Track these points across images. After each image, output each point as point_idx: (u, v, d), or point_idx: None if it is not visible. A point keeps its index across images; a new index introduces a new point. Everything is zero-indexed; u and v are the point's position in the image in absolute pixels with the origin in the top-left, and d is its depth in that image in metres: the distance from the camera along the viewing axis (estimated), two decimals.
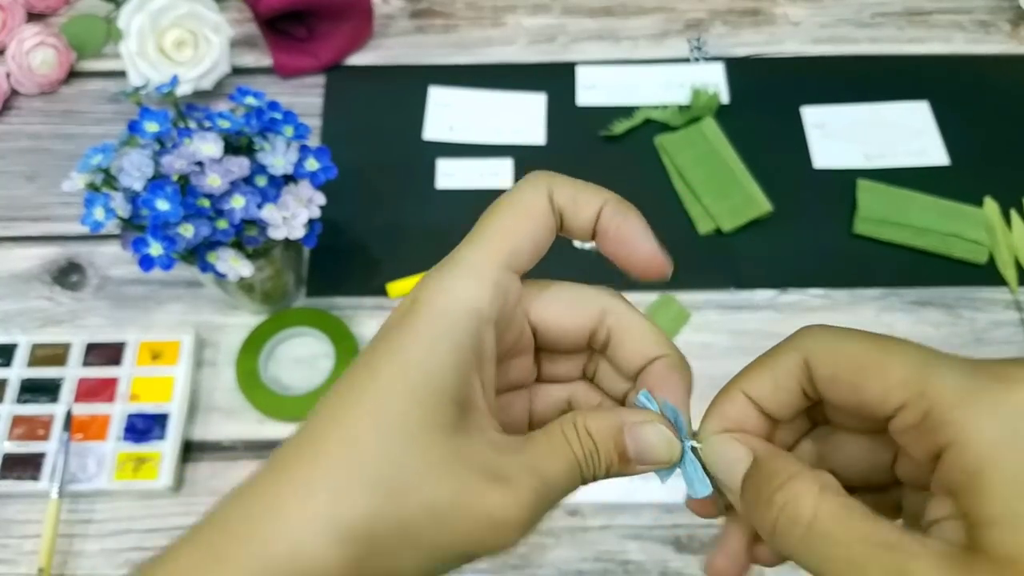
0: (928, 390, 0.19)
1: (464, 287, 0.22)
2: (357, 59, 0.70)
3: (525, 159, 0.65)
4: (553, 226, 0.24)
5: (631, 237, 0.24)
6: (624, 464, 0.22)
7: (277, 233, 0.47)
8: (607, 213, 0.24)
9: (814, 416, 0.24)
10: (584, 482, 0.22)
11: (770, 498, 0.20)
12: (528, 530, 0.21)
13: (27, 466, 0.51)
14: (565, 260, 0.60)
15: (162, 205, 0.45)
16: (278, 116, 0.49)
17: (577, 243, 0.61)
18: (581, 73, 0.69)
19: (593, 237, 0.25)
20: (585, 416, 0.22)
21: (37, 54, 0.66)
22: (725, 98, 0.67)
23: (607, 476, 0.22)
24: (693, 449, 0.23)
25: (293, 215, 0.47)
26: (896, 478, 0.23)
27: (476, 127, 0.66)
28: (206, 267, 0.48)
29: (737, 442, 0.22)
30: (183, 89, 0.64)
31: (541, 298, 0.25)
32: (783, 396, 0.22)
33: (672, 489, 0.51)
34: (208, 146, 0.46)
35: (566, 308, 0.25)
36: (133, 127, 0.48)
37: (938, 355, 0.20)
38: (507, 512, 0.20)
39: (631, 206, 0.24)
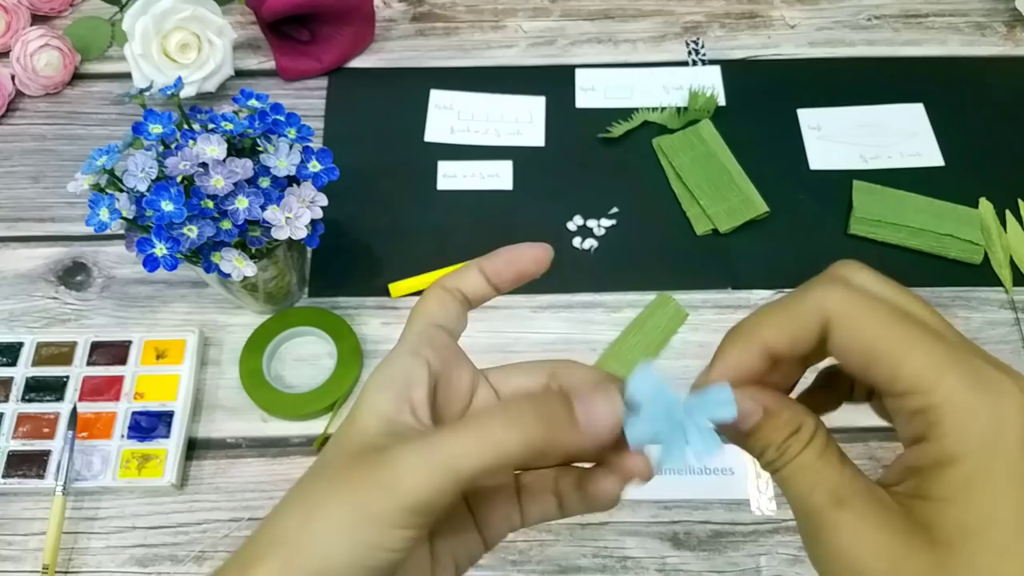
0: (935, 389, 0.21)
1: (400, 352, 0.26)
2: (359, 62, 0.71)
3: (525, 161, 0.65)
4: (458, 304, 0.28)
5: (505, 262, 0.29)
6: (568, 425, 0.23)
7: (280, 234, 0.48)
8: (482, 267, 0.29)
9: None
10: (508, 453, 0.22)
11: (780, 440, 0.23)
12: (428, 493, 0.21)
13: (32, 464, 0.51)
14: (565, 260, 0.60)
15: (167, 206, 0.45)
16: (281, 118, 0.50)
17: (577, 243, 0.61)
18: (580, 76, 0.70)
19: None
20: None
21: (42, 56, 0.67)
22: (722, 100, 0.68)
23: (544, 442, 0.22)
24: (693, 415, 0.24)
25: (296, 216, 0.48)
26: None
27: (477, 129, 0.67)
28: (210, 267, 0.48)
29: (747, 397, 0.23)
30: (187, 91, 0.65)
31: (500, 370, 0.29)
32: (796, 348, 0.23)
33: (671, 487, 0.51)
34: (212, 148, 0.47)
35: (520, 371, 0.28)
36: (137, 129, 0.48)
37: (954, 358, 0.21)
38: (398, 465, 0.22)
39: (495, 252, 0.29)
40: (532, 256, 0.28)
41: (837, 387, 0.27)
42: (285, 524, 0.23)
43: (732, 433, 0.24)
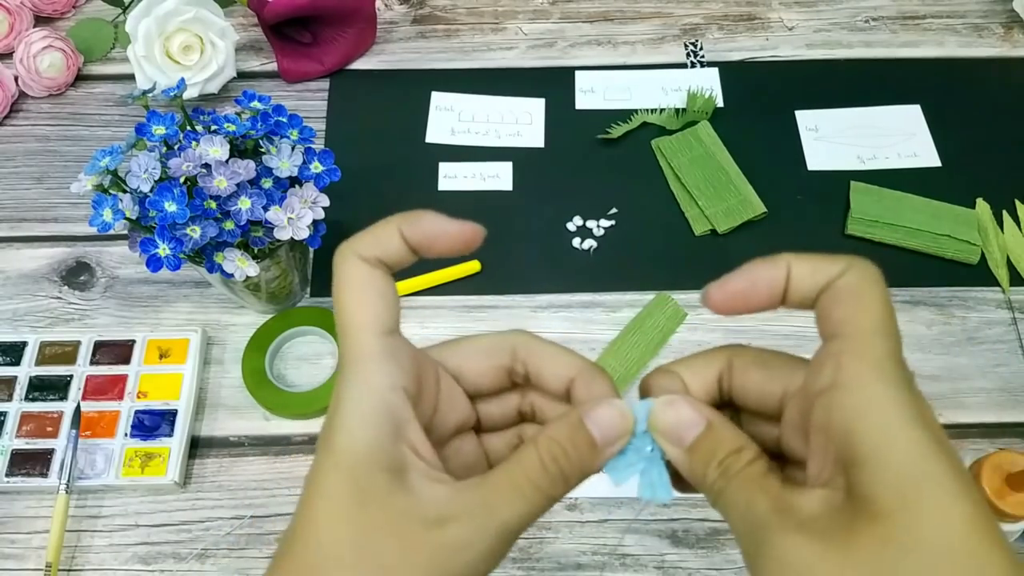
0: (865, 338, 0.21)
1: (357, 377, 0.23)
2: (361, 64, 0.71)
3: (525, 162, 0.66)
4: (378, 281, 0.24)
5: (426, 232, 0.26)
6: (592, 452, 0.24)
7: (282, 234, 0.48)
8: (401, 228, 0.26)
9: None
10: (554, 497, 0.23)
11: (721, 458, 0.23)
12: (495, 563, 0.22)
13: (36, 462, 0.51)
14: (565, 260, 0.61)
15: (170, 206, 0.46)
16: (283, 120, 0.50)
17: (576, 243, 0.62)
18: (580, 77, 0.70)
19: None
20: (544, 429, 0.24)
21: (45, 57, 0.67)
22: (720, 102, 0.68)
23: (581, 477, 0.24)
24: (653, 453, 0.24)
25: (298, 216, 0.48)
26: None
27: (477, 130, 0.67)
28: (213, 267, 0.48)
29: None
30: (189, 93, 0.65)
31: (455, 350, 0.27)
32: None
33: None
34: (215, 149, 0.47)
35: (477, 351, 0.27)
36: (140, 130, 0.49)
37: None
38: (457, 551, 0.21)
39: (417, 212, 0.25)
40: (460, 238, 0.26)
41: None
42: None
43: (676, 452, 0.24)
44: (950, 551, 0.19)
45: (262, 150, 0.49)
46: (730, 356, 0.25)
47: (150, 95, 0.53)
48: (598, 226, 0.62)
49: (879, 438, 0.20)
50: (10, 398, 0.54)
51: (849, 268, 0.23)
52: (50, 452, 0.52)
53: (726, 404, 0.26)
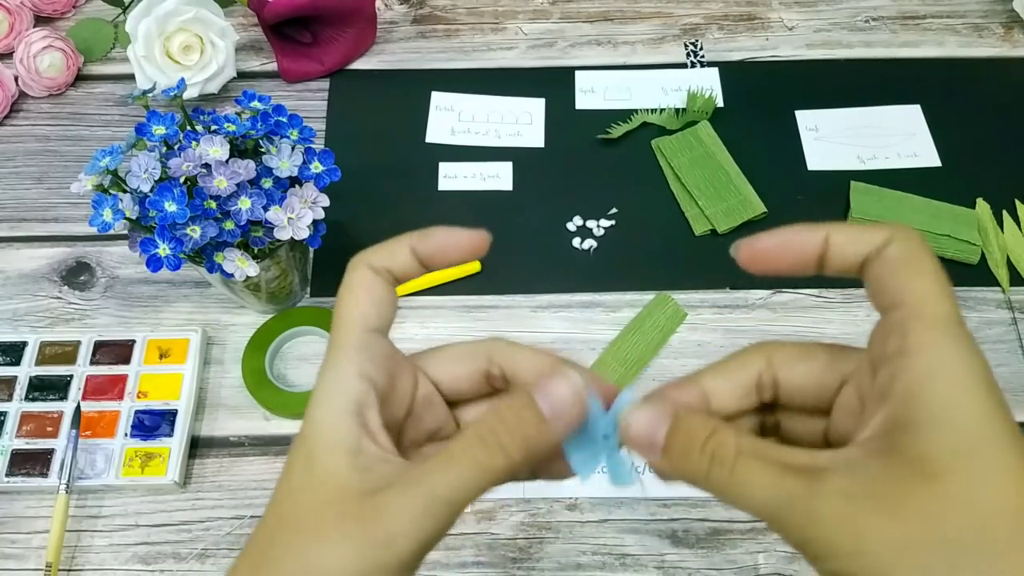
0: (927, 307, 0.21)
1: (331, 364, 0.25)
2: (361, 64, 0.71)
3: (525, 162, 0.66)
4: (382, 289, 0.26)
5: (438, 244, 0.26)
6: (540, 424, 0.23)
7: (282, 234, 0.48)
8: (412, 245, 0.26)
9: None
10: (497, 473, 0.23)
11: (701, 447, 0.22)
12: (426, 534, 0.22)
13: (36, 462, 0.52)
14: (565, 260, 0.61)
15: (170, 206, 0.46)
16: (283, 120, 0.50)
17: (576, 243, 0.62)
18: (580, 77, 0.70)
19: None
20: (493, 404, 0.24)
21: (45, 57, 0.67)
22: (721, 102, 0.68)
23: (526, 449, 0.23)
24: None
25: (298, 216, 0.48)
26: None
27: (477, 130, 0.67)
28: (213, 267, 0.48)
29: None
30: (189, 93, 0.65)
31: (434, 355, 0.27)
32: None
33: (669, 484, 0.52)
34: (215, 149, 0.47)
35: (455, 356, 0.27)
36: (140, 130, 0.49)
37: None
38: (386, 518, 0.22)
39: (427, 229, 0.27)
40: (468, 245, 0.26)
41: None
42: None
43: (656, 460, 0.23)
44: (1005, 511, 0.19)
45: (262, 150, 0.49)
46: (768, 354, 0.25)
47: (150, 95, 0.53)
48: (598, 226, 0.62)
49: (946, 400, 0.20)
50: (10, 398, 0.54)
51: (894, 237, 0.23)
52: (50, 452, 0.52)
53: (767, 406, 0.26)
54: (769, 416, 0.26)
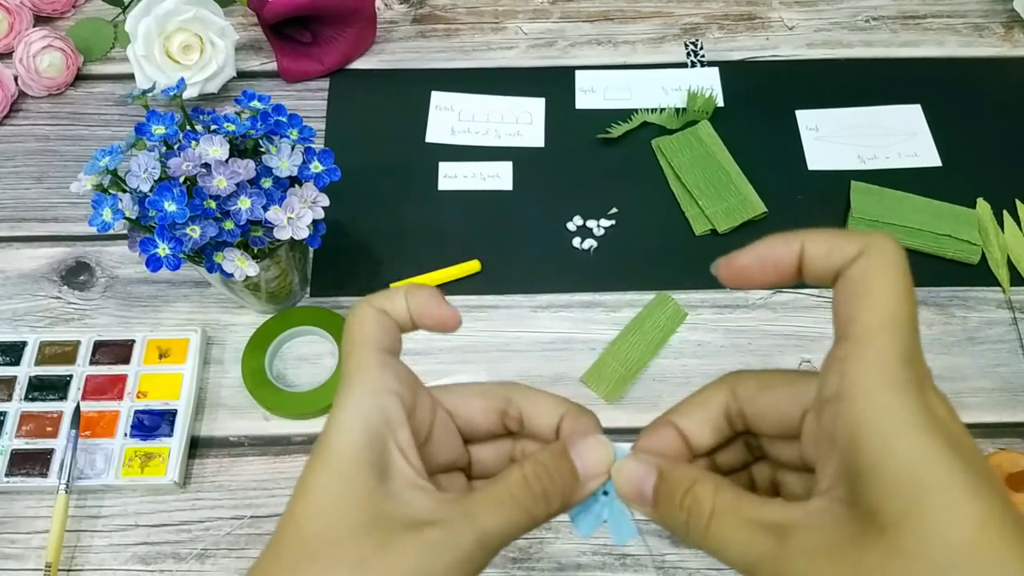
0: (875, 337, 0.21)
1: (355, 383, 0.24)
2: (361, 63, 0.71)
3: (525, 161, 0.66)
4: (393, 324, 0.26)
5: (421, 306, 0.27)
6: (574, 481, 0.24)
7: (282, 234, 0.48)
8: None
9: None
10: (537, 520, 0.24)
11: (679, 503, 0.23)
12: (473, 572, 0.22)
13: (35, 462, 0.51)
14: (565, 260, 0.61)
15: (169, 206, 0.46)
16: (283, 119, 0.50)
17: (576, 243, 0.62)
18: (580, 77, 0.70)
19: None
20: (533, 454, 0.25)
21: (44, 57, 0.67)
22: (721, 101, 0.68)
23: (562, 503, 0.24)
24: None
25: (298, 216, 0.48)
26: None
27: (477, 130, 0.67)
28: (213, 267, 0.48)
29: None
30: (189, 92, 0.65)
31: (449, 391, 0.28)
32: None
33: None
34: (214, 149, 0.47)
35: (472, 393, 0.28)
36: (140, 129, 0.48)
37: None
38: (437, 555, 0.22)
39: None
40: (447, 317, 0.27)
41: (733, 453, 0.27)
42: None
43: (645, 506, 0.24)
44: (958, 556, 0.18)
45: (262, 150, 0.49)
46: (732, 386, 0.25)
47: (150, 95, 0.52)
48: (598, 226, 0.62)
49: (880, 448, 0.20)
50: (10, 398, 0.54)
51: (864, 251, 0.22)
52: (50, 452, 0.52)
53: (742, 433, 0.26)
54: (754, 439, 0.26)
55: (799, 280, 0.24)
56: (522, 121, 0.68)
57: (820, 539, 0.20)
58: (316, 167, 0.50)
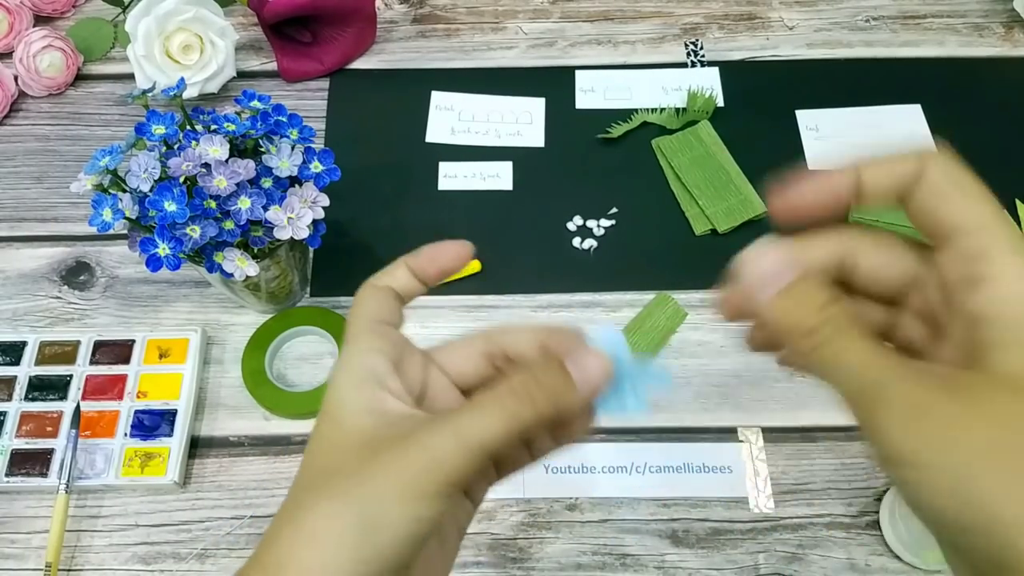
0: (997, 231, 0.22)
1: (346, 350, 0.27)
2: (361, 63, 0.71)
3: (525, 161, 0.66)
4: (394, 300, 0.28)
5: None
6: (568, 388, 0.24)
7: (282, 234, 0.48)
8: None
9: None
10: (522, 419, 0.23)
11: (821, 307, 0.23)
12: (455, 476, 0.23)
13: (35, 462, 0.51)
14: (566, 260, 0.61)
15: (169, 206, 0.46)
16: (283, 119, 0.50)
17: (576, 243, 0.62)
18: (580, 77, 0.70)
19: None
20: (528, 367, 0.25)
21: (44, 57, 0.67)
22: (721, 101, 0.68)
23: (552, 406, 0.24)
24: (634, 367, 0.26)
25: (298, 216, 0.48)
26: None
27: (477, 130, 0.67)
28: (213, 267, 0.48)
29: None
30: (189, 92, 0.65)
31: (443, 350, 0.29)
32: (887, 183, 0.24)
33: (670, 485, 0.52)
34: (214, 148, 0.47)
35: (458, 345, 0.29)
36: (140, 129, 0.49)
37: (1009, 220, 0.23)
38: (421, 457, 0.23)
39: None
40: (454, 252, 0.29)
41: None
42: (316, 518, 0.23)
43: (765, 298, 0.24)
44: None
45: (262, 149, 0.49)
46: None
47: (150, 95, 0.52)
48: (598, 226, 0.62)
49: None
50: (10, 398, 0.54)
51: (929, 162, 0.23)
52: (50, 452, 0.52)
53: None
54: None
55: (856, 207, 0.25)
56: (522, 121, 0.68)
57: (948, 382, 0.21)
58: (316, 167, 0.50)
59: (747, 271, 0.24)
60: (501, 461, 0.28)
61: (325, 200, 0.50)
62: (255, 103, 0.50)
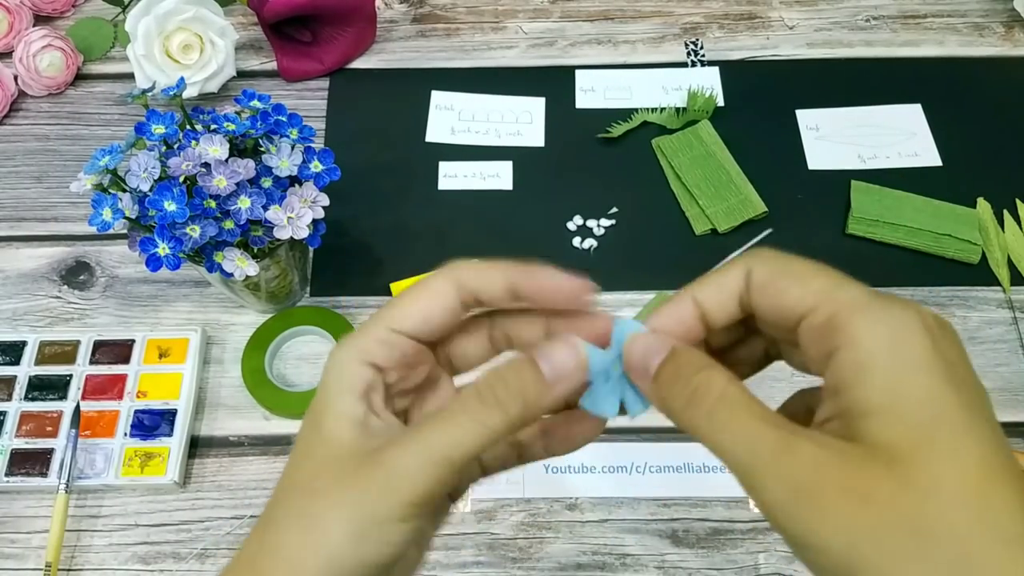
0: (836, 297, 0.22)
1: (336, 353, 0.26)
2: (360, 63, 0.71)
3: (525, 161, 0.65)
4: (453, 305, 0.26)
5: (542, 286, 0.26)
6: (539, 384, 0.23)
7: (282, 233, 0.48)
8: (513, 278, 0.26)
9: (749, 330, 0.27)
10: (492, 428, 0.23)
11: (688, 378, 0.23)
12: (423, 487, 0.22)
13: (35, 462, 0.51)
14: (566, 260, 0.61)
15: (169, 206, 0.46)
16: (283, 119, 0.50)
17: (576, 243, 0.62)
18: (580, 77, 0.70)
19: (515, 300, 0.26)
20: (496, 365, 0.24)
21: (44, 57, 0.67)
22: (721, 101, 0.68)
23: (525, 407, 0.23)
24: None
25: (298, 216, 0.48)
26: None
27: (477, 130, 0.67)
28: (213, 267, 0.48)
29: (658, 336, 0.24)
30: (189, 92, 0.65)
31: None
32: (723, 301, 0.24)
33: (670, 485, 0.52)
34: (214, 148, 0.47)
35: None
36: (140, 129, 0.48)
37: (851, 280, 0.22)
38: (387, 473, 0.22)
39: (532, 264, 0.26)
40: (572, 291, 0.26)
41: (750, 349, 0.27)
42: (282, 540, 0.23)
43: (644, 379, 0.24)
44: (964, 494, 0.19)
45: (262, 149, 0.49)
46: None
47: (150, 94, 0.52)
48: (598, 226, 0.62)
49: (891, 385, 0.20)
50: (10, 398, 0.54)
51: (752, 261, 0.24)
52: (50, 452, 0.52)
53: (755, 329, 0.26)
54: (772, 347, 0.26)
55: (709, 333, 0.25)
56: (522, 121, 0.68)
57: (827, 457, 0.20)
58: (316, 166, 0.50)
59: (627, 361, 0.24)
60: (484, 462, 0.28)
61: (325, 200, 0.50)
62: (255, 103, 0.50)
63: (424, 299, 0.25)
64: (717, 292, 0.24)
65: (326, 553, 0.22)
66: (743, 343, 0.27)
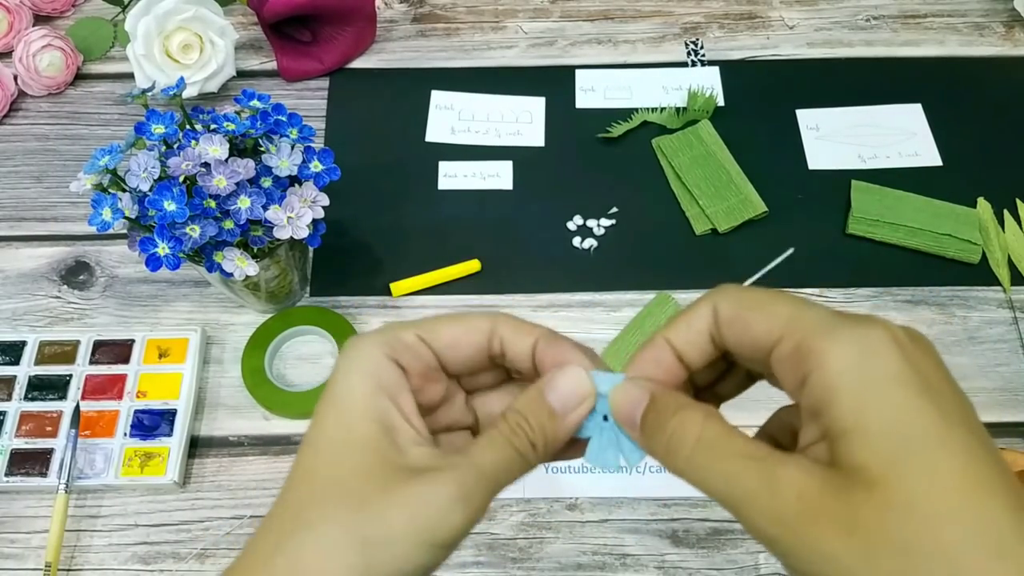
0: (801, 323, 0.22)
1: (360, 345, 0.25)
2: (360, 62, 0.71)
3: (525, 161, 0.65)
4: (483, 345, 0.27)
5: (563, 357, 0.26)
6: (553, 420, 0.24)
7: (282, 233, 0.48)
8: (540, 346, 0.26)
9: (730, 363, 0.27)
10: (530, 462, 0.24)
11: (663, 425, 0.23)
12: (473, 511, 0.23)
13: (35, 462, 0.51)
14: (566, 260, 0.61)
15: (169, 206, 0.46)
16: (283, 119, 0.50)
17: (576, 242, 0.62)
18: (580, 76, 0.70)
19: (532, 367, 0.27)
20: (513, 402, 0.25)
21: (44, 56, 0.67)
22: (721, 101, 0.68)
23: (548, 443, 0.24)
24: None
25: (298, 215, 0.48)
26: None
27: (477, 129, 0.67)
28: (212, 266, 0.48)
29: (636, 385, 0.24)
30: (189, 92, 0.65)
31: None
32: (696, 340, 0.24)
33: (670, 485, 0.52)
34: (214, 148, 0.47)
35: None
36: (140, 129, 0.48)
37: (814, 303, 0.23)
38: (439, 495, 0.22)
39: (560, 337, 0.27)
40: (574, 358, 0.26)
41: (732, 377, 0.27)
42: (308, 551, 0.22)
43: (634, 430, 0.24)
44: (945, 509, 0.19)
45: (262, 149, 0.49)
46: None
47: (149, 94, 0.52)
48: (598, 225, 0.62)
49: (862, 405, 0.20)
50: (9, 398, 0.54)
51: (716, 298, 0.24)
52: (49, 452, 0.52)
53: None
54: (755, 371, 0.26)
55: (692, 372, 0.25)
56: (522, 120, 0.68)
57: (810, 485, 0.20)
58: (316, 166, 0.50)
59: (614, 413, 0.25)
60: None
61: (325, 200, 0.50)
62: (255, 102, 0.50)
63: (460, 328, 0.26)
64: (687, 332, 0.24)
65: (372, 563, 0.22)
66: (730, 373, 0.27)
